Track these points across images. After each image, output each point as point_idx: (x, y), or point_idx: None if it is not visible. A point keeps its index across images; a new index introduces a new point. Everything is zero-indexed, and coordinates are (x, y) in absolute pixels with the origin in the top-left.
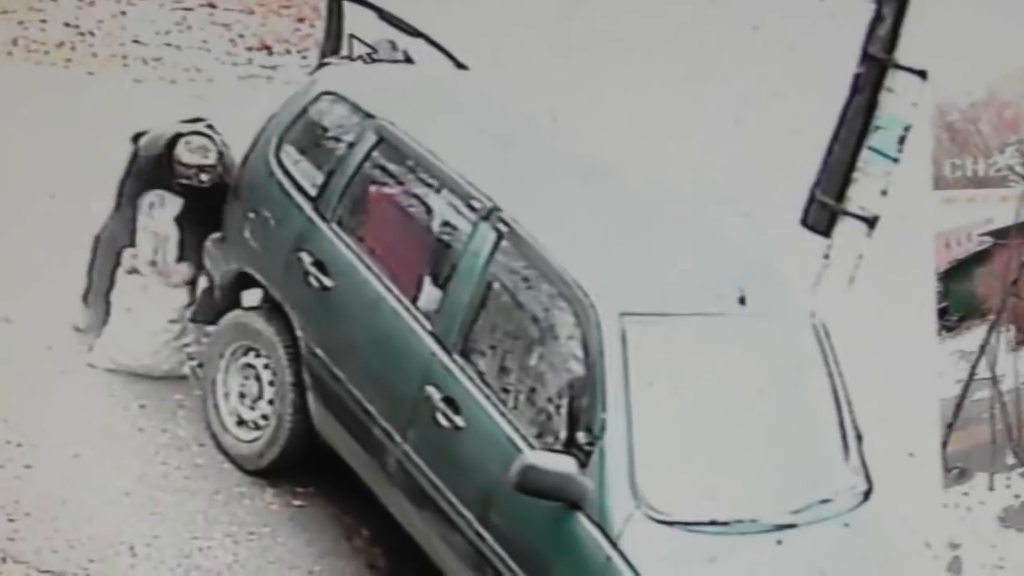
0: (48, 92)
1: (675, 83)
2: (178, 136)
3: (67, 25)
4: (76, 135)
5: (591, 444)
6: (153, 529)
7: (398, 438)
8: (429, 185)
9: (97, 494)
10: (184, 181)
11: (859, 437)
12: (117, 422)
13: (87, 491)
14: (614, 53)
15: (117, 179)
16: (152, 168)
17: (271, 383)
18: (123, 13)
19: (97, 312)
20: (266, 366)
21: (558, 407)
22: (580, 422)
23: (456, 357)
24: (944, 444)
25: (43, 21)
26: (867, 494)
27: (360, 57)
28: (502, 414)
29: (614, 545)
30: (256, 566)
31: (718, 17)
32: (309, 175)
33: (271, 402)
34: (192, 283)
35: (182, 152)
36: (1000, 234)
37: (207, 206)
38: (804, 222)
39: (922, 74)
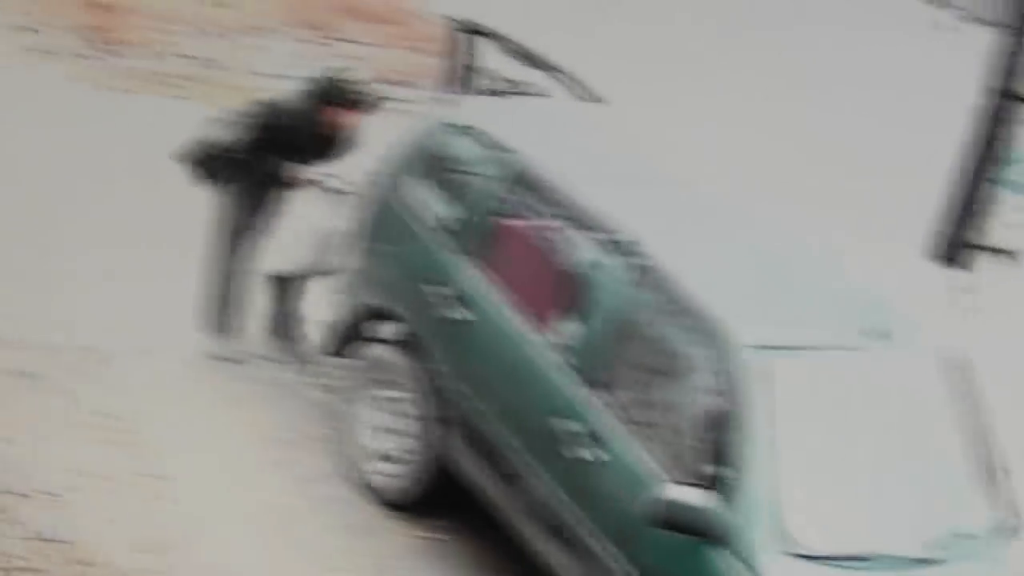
0: (172, 122)
1: (796, 120)
2: None
3: (187, 57)
4: None
5: (733, 479)
6: (290, 562)
7: (537, 471)
8: (566, 219)
9: (235, 526)
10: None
11: (1007, 472)
12: (255, 455)
13: (225, 524)
14: (740, 88)
15: None
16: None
17: (410, 417)
18: (249, 46)
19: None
20: (404, 399)
21: (698, 441)
22: (721, 456)
23: (594, 390)
24: None
25: (170, 54)
26: (1016, 530)
27: (494, 91)
28: (641, 448)
29: None
30: None
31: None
32: (441, 209)
33: (411, 436)
34: None
35: None
36: None
37: None
38: (933, 255)
39: None
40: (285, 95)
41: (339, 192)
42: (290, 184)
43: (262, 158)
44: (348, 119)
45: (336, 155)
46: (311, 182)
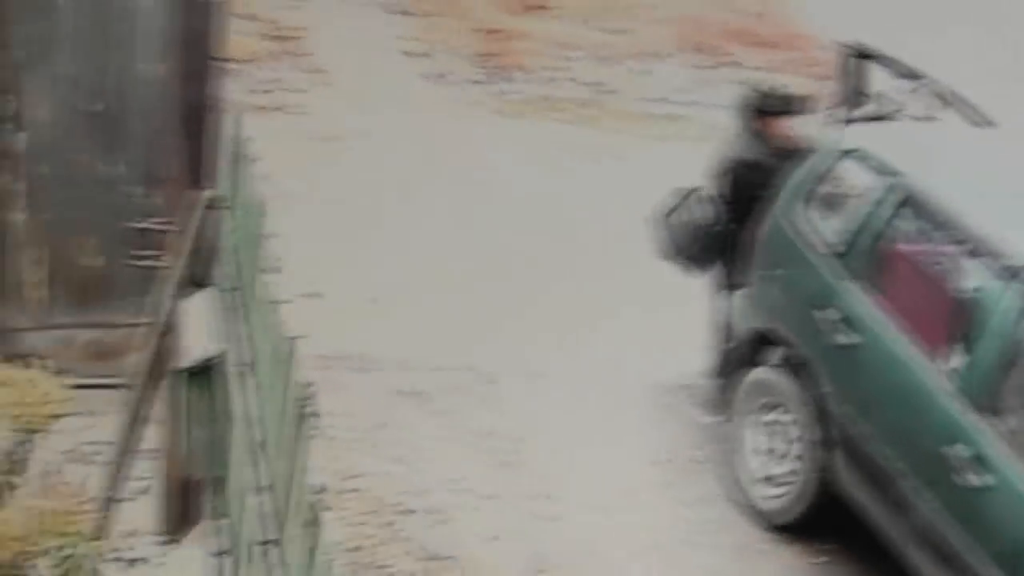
0: (573, 148)
1: None
2: None
3: (579, 82)
4: (606, 190)
5: None
6: None
7: (924, 496)
8: (956, 243)
9: (624, 547)
10: None
11: None
12: (643, 477)
13: (614, 544)
14: None
15: None
16: None
17: (796, 439)
18: (645, 72)
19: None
20: (791, 422)
21: None
22: None
23: (983, 416)
24: None
25: (568, 80)
26: None
27: (884, 114)
28: None
29: None
30: None
31: None
32: (831, 233)
33: (798, 458)
34: None
35: None
36: None
37: None
38: None
39: None
40: (728, 144)
41: None
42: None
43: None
44: (784, 127)
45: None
46: None
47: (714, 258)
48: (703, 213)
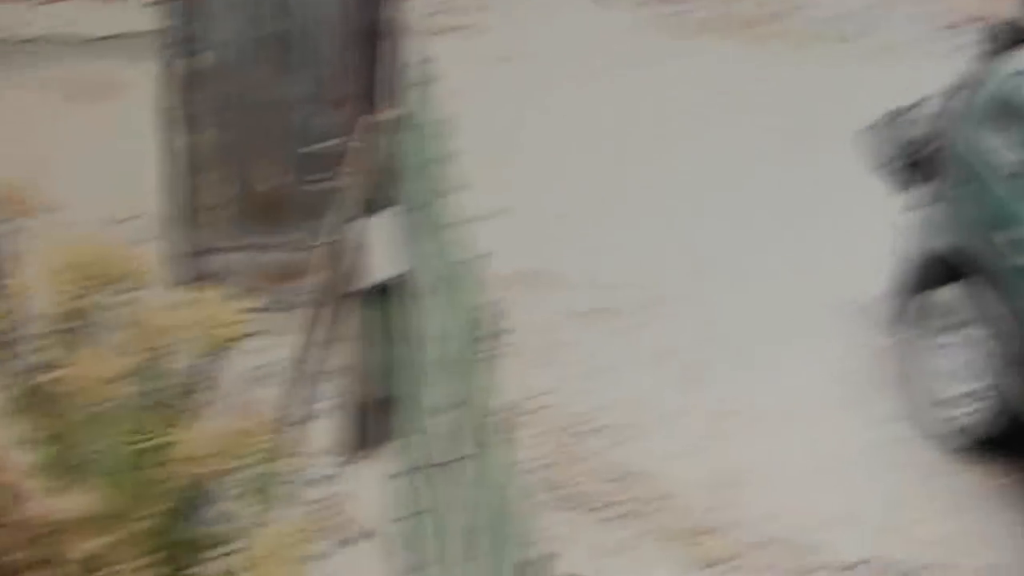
0: (751, 68)
1: None
2: None
3: (758, 5)
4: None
5: None
6: (859, 502)
7: None
8: None
9: (803, 466)
10: None
11: None
12: (823, 396)
13: (793, 463)
14: None
15: None
16: None
17: (981, 360)
18: None
19: None
20: (975, 343)
21: None
22: None
23: None
24: None
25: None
26: None
27: None
28: None
29: None
30: (964, 543)
31: None
32: (1014, 154)
33: (981, 379)
34: None
35: None
36: None
37: None
38: None
39: None
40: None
41: None
42: None
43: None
44: None
45: None
46: None
47: (919, 177)
48: (919, 131)
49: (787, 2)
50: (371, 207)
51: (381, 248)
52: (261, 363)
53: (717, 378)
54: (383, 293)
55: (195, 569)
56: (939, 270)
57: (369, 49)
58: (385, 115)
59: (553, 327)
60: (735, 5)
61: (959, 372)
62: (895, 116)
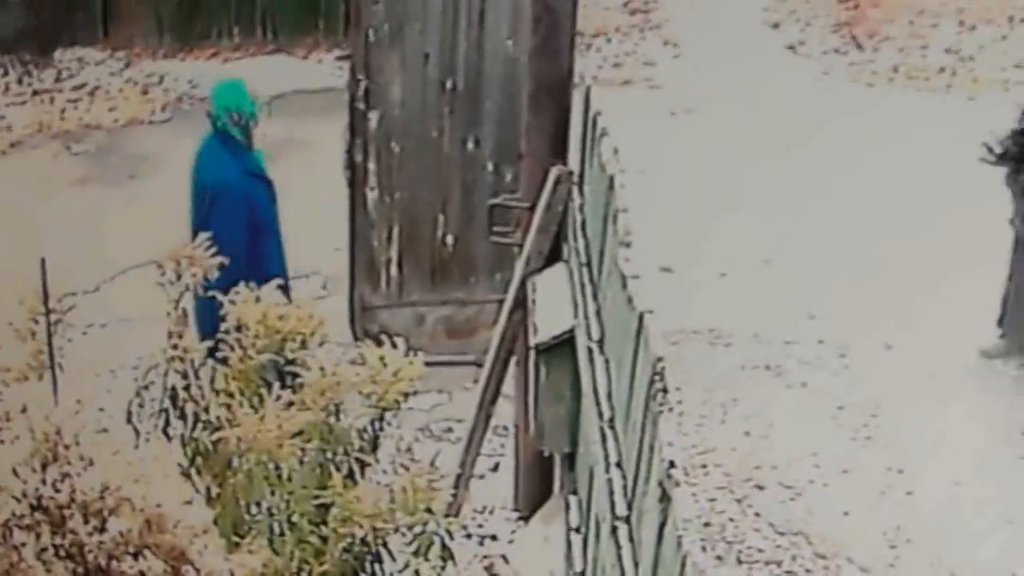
0: (928, 118)
1: None
2: None
3: (947, 51)
4: (953, 161)
5: None
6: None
7: None
8: None
9: (980, 521)
10: None
11: None
12: (999, 449)
13: (970, 518)
14: None
15: None
16: None
17: None
18: (1004, 38)
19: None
20: None
21: None
22: None
23: None
24: None
25: (924, 48)
26: None
27: None
28: None
29: None
30: None
31: None
32: None
33: None
34: None
35: None
36: None
37: None
38: None
39: None
40: None
41: None
42: None
43: None
44: None
45: None
46: None
47: None
48: None
49: (972, 46)
50: (542, 262)
51: (550, 303)
52: (429, 420)
53: (887, 433)
54: (552, 348)
55: None
56: None
57: (546, 103)
58: (557, 170)
59: (721, 384)
60: (918, 53)
61: None
62: None
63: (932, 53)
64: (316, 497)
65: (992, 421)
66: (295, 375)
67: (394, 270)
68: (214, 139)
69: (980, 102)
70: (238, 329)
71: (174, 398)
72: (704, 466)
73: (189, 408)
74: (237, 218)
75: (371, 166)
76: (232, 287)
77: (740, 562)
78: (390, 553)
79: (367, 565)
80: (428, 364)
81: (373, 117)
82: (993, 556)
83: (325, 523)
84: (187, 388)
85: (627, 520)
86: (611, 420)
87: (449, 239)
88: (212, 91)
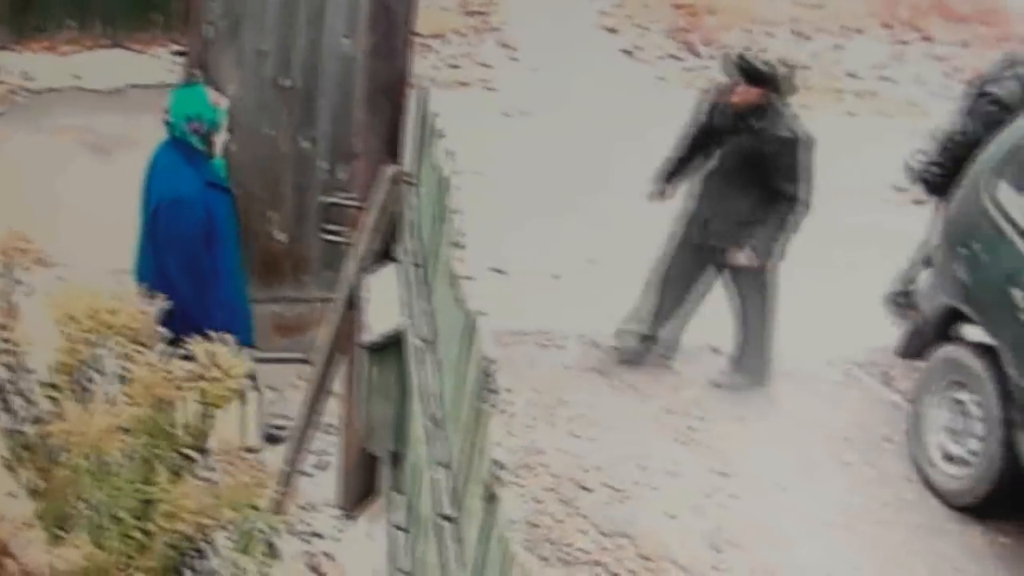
0: None
1: None
2: None
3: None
4: None
5: None
6: (856, 561)
7: None
8: None
9: (801, 525)
10: None
11: None
12: (821, 455)
13: (791, 522)
14: None
15: None
16: None
17: (980, 419)
18: (837, 47)
19: None
20: (976, 402)
21: None
22: None
23: None
24: None
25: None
26: None
27: None
28: None
29: None
30: None
31: None
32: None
33: (979, 438)
34: None
35: None
36: None
37: None
38: None
39: None
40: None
41: None
42: None
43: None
44: (744, 93)
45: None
46: None
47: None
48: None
49: (805, 55)
50: (374, 261)
51: (382, 303)
52: (264, 415)
53: (713, 438)
54: (382, 348)
55: None
56: (947, 326)
57: (382, 104)
58: (391, 170)
59: (551, 386)
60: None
61: (965, 431)
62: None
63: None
64: (141, 492)
65: (816, 425)
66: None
67: None
68: (170, 148)
69: (814, 111)
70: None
71: (0, 391)
72: (531, 467)
73: (15, 401)
74: (195, 231)
75: None
76: (197, 300)
77: (565, 563)
78: (215, 550)
79: (191, 561)
80: (258, 361)
81: None
82: (813, 559)
83: (150, 518)
84: (13, 381)
85: (452, 519)
86: (439, 419)
87: (282, 236)
88: (171, 97)
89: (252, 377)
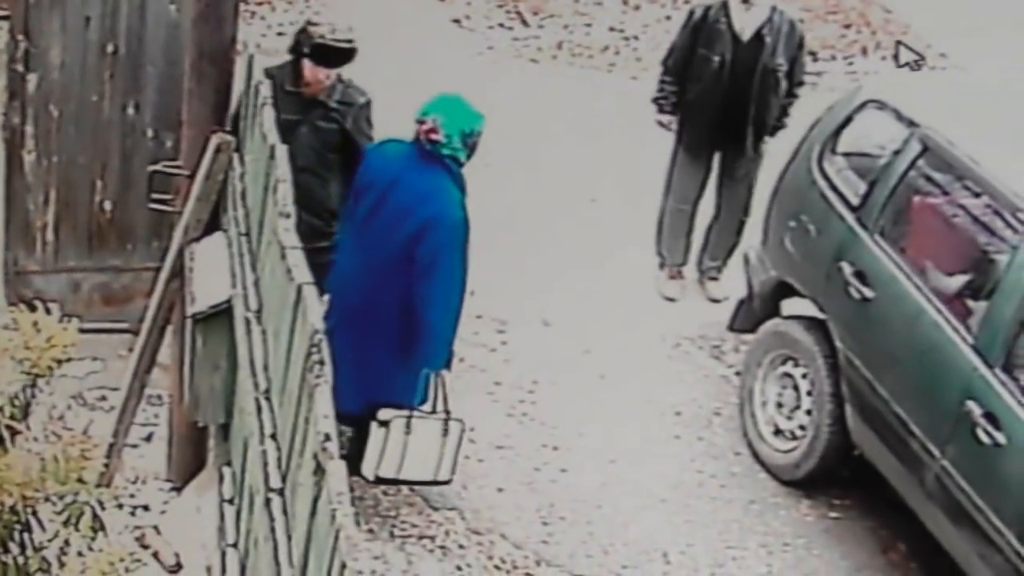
0: (592, 95)
1: None
2: None
3: (612, 30)
4: (616, 140)
5: None
6: (687, 536)
7: (936, 453)
8: (975, 196)
9: (632, 500)
10: None
11: None
12: (653, 428)
13: (622, 496)
14: None
15: None
16: None
17: (809, 393)
18: (668, 18)
19: None
20: (804, 376)
21: None
22: None
23: (999, 372)
24: None
25: (588, 25)
26: None
27: (906, 64)
28: None
29: None
30: None
31: None
32: (852, 184)
33: (809, 412)
34: None
35: None
36: None
37: None
38: None
39: None
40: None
41: None
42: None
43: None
44: (315, 73)
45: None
46: None
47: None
48: None
49: (635, 26)
50: (200, 231)
51: (208, 273)
52: (82, 388)
53: (545, 411)
54: (208, 319)
55: None
56: (777, 300)
57: (207, 71)
58: (217, 138)
59: None
60: (583, 31)
61: (794, 405)
62: None
63: (596, 31)
64: None
65: (647, 400)
66: None
67: (50, 235)
68: (422, 156)
69: (643, 81)
70: None
71: None
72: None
73: None
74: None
75: (28, 129)
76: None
77: (393, 537)
78: (40, 522)
79: (16, 535)
80: (83, 331)
81: (32, 80)
82: (645, 534)
83: None
84: None
85: (281, 492)
86: (267, 392)
87: (107, 205)
88: (435, 108)
89: (447, 412)
